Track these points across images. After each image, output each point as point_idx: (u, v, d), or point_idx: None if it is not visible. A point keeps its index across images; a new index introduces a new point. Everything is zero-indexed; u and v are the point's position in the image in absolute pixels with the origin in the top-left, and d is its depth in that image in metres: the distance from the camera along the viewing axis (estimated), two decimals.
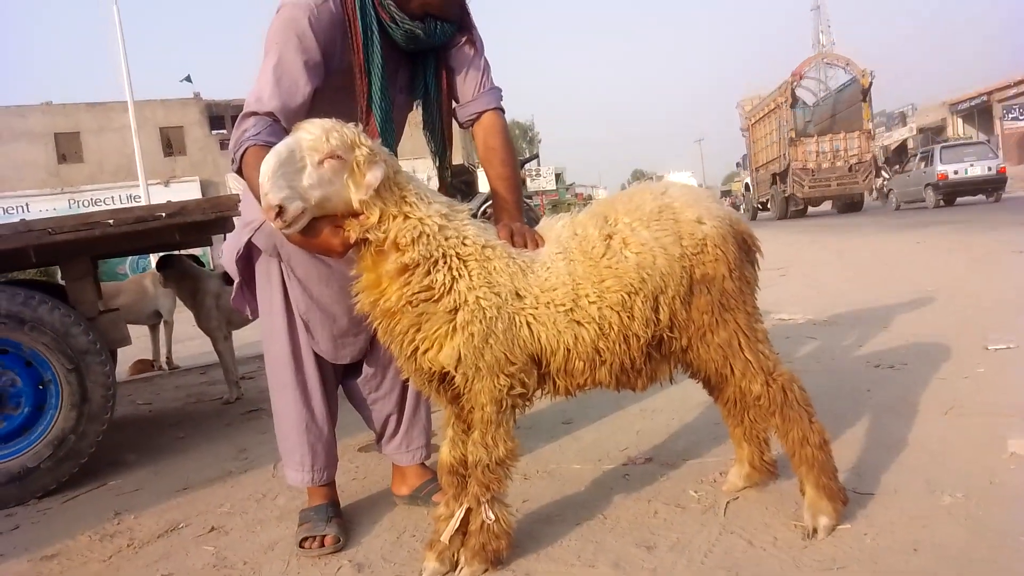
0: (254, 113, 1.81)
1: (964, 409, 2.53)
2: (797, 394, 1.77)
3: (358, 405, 2.31)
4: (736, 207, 33.80)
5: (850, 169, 20.80)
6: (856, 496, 1.91)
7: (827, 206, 24.42)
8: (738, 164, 36.70)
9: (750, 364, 1.74)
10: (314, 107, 1.84)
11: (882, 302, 4.83)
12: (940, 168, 17.70)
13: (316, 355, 2.10)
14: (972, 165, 17.49)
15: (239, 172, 1.79)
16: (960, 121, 38.84)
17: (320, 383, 2.12)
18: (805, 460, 1.75)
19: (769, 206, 25.73)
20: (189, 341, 8.11)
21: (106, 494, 2.87)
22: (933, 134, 40.98)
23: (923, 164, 18.90)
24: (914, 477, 2.01)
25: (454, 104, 2.18)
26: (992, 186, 17.56)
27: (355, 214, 1.56)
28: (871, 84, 21.01)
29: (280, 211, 1.48)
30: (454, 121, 2.23)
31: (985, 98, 35.05)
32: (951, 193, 17.95)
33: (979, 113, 36.32)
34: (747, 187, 31.00)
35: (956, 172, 17.41)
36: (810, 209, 23.73)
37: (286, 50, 1.84)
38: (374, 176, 1.50)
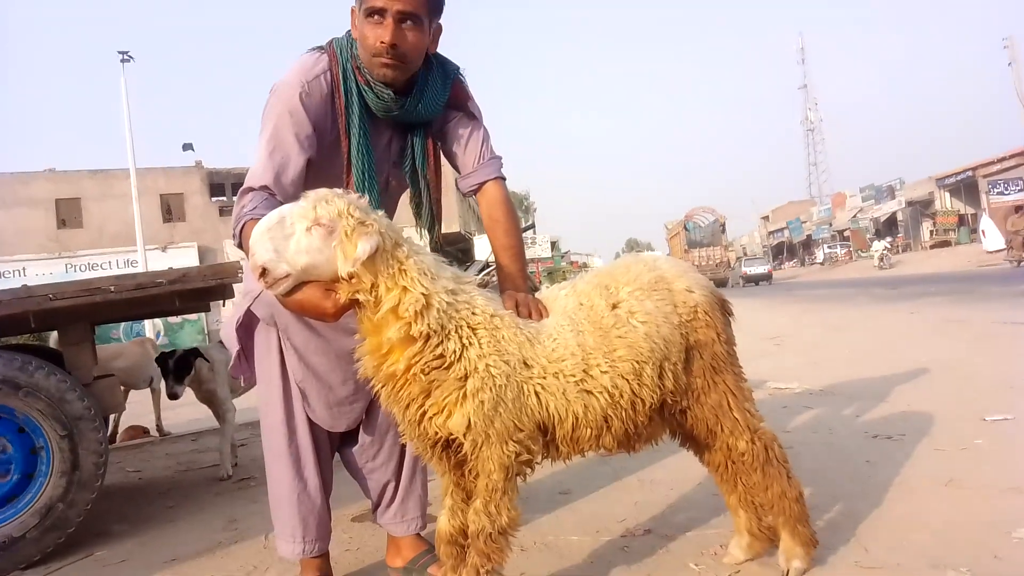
0: (250, 188, 1.87)
1: (964, 482, 2.51)
2: (777, 452, 1.90)
3: (355, 474, 2.28)
4: None
5: (716, 265, 39.04)
6: (860, 570, 1.90)
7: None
8: None
9: (738, 422, 1.86)
10: (319, 181, 1.89)
11: (878, 373, 4.85)
12: (743, 269, 39.38)
13: (311, 425, 2.09)
14: (756, 268, 39.14)
15: (240, 247, 1.82)
16: (948, 195, 39.70)
17: (314, 453, 2.10)
18: (783, 511, 1.87)
19: None
20: (180, 408, 8.01)
21: (92, 565, 2.79)
22: (922, 207, 41.88)
23: (739, 265, 41.25)
24: (918, 553, 1.98)
25: (456, 175, 2.24)
26: (764, 278, 37.81)
27: (347, 280, 1.58)
28: (724, 223, 42.71)
29: (264, 272, 1.53)
30: (453, 188, 2.27)
31: (971, 173, 35.96)
32: (749, 280, 37.44)
33: (965, 188, 37.19)
34: None
35: (749, 271, 38.78)
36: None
37: (278, 126, 1.92)
38: (362, 249, 1.52)
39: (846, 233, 49.90)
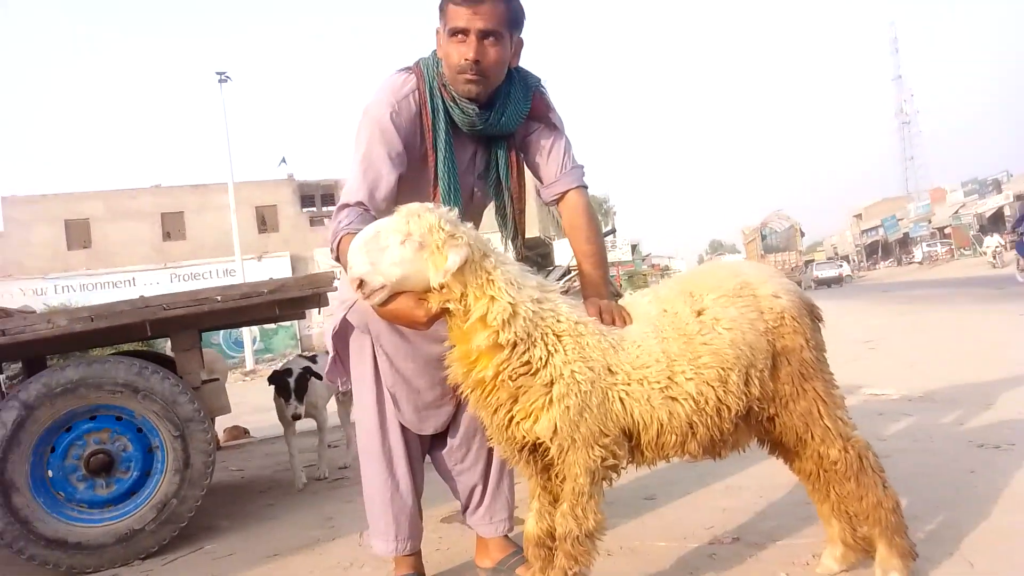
0: (346, 205, 1.98)
1: None
2: (872, 461, 1.84)
3: (444, 476, 2.36)
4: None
5: (792, 270, 38.68)
6: None
7: None
8: None
9: (829, 430, 1.81)
10: (408, 193, 1.99)
11: (981, 378, 4.59)
12: (815, 273, 40.06)
13: (402, 428, 2.18)
14: (826, 272, 40.22)
15: (338, 260, 1.93)
16: None
17: (405, 454, 2.19)
18: (879, 522, 1.82)
19: None
20: (272, 410, 8.38)
21: (203, 558, 2.99)
22: None
23: (810, 270, 41.38)
24: None
25: (538, 184, 2.29)
26: (835, 281, 38.76)
27: (438, 290, 1.65)
28: (800, 228, 43.03)
29: (361, 284, 1.63)
30: (532, 194, 2.33)
31: None
32: (820, 283, 37.39)
33: None
34: None
35: (820, 275, 39.46)
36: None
37: (371, 145, 2.01)
38: (452, 261, 1.59)
39: (946, 230, 47.14)
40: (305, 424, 5.66)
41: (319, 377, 4.25)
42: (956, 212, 46.83)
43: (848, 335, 8.28)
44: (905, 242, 56.29)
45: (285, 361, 4.95)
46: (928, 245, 46.92)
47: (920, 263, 44.70)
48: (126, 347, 4.86)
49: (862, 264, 61.65)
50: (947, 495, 2.51)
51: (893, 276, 41.85)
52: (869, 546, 1.92)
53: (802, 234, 44.98)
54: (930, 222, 51.96)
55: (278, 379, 4.23)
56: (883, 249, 64.06)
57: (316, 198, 31.43)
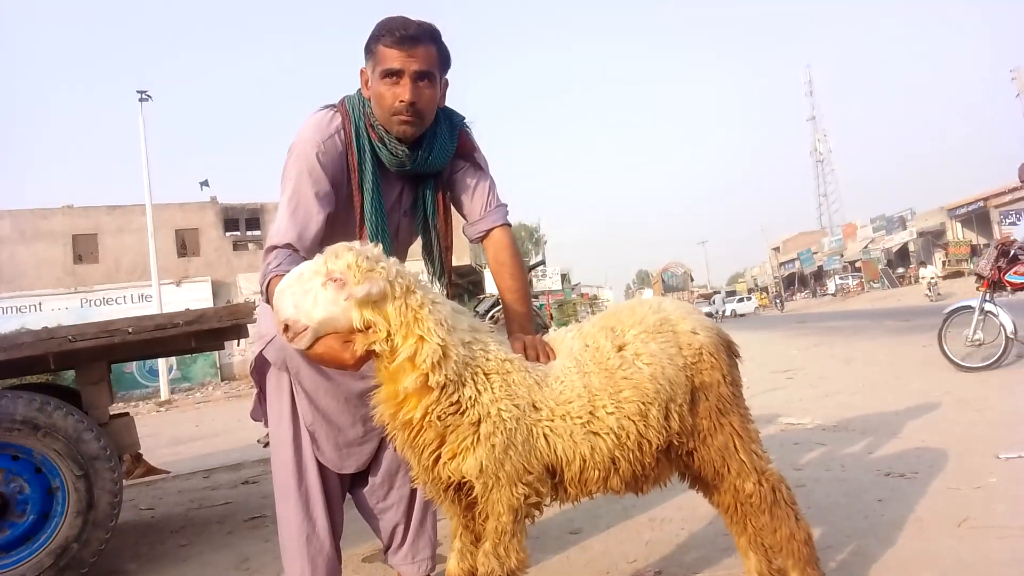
0: (274, 247, 1.93)
1: (978, 521, 2.50)
2: (785, 494, 1.89)
3: (366, 515, 2.30)
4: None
5: None
6: None
7: None
8: None
9: (744, 464, 1.85)
10: (336, 231, 1.96)
11: (890, 407, 4.82)
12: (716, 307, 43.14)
13: (320, 467, 2.13)
14: (705, 308, 37.16)
15: (268, 302, 1.87)
16: (959, 225, 39.56)
17: (323, 495, 2.13)
18: (792, 554, 1.87)
19: None
20: (192, 442, 8.05)
21: None
22: (933, 238, 41.74)
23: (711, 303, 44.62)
24: None
25: (464, 222, 2.29)
26: (710, 315, 44.94)
27: (363, 331, 1.62)
28: (691, 274, 62.53)
29: (286, 327, 1.60)
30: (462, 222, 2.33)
31: (982, 204, 35.88)
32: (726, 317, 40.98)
33: (977, 218, 37.08)
34: None
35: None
36: None
37: (299, 184, 1.98)
38: (360, 290, 1.57)
39: (858, 264, 49.75)
40: (225, 458, 5.47)
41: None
42: (866, 247, 49.49)
43: (768, 365, 8.57)
44: (820, 275, 59.08)
45: None
46: (841, 278, 49.40)
47: (834, 295, 46.95)
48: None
49: (780, 295, 64.36)
50: (857, 524, 2.60)
51: (809, 307, 43.77)
52: None
53: (692, 279, 56.53)
54: (842, 256, 54.72)
55: None
56: (800, 281, 67.00)
57: (240, 222, 30.59)
